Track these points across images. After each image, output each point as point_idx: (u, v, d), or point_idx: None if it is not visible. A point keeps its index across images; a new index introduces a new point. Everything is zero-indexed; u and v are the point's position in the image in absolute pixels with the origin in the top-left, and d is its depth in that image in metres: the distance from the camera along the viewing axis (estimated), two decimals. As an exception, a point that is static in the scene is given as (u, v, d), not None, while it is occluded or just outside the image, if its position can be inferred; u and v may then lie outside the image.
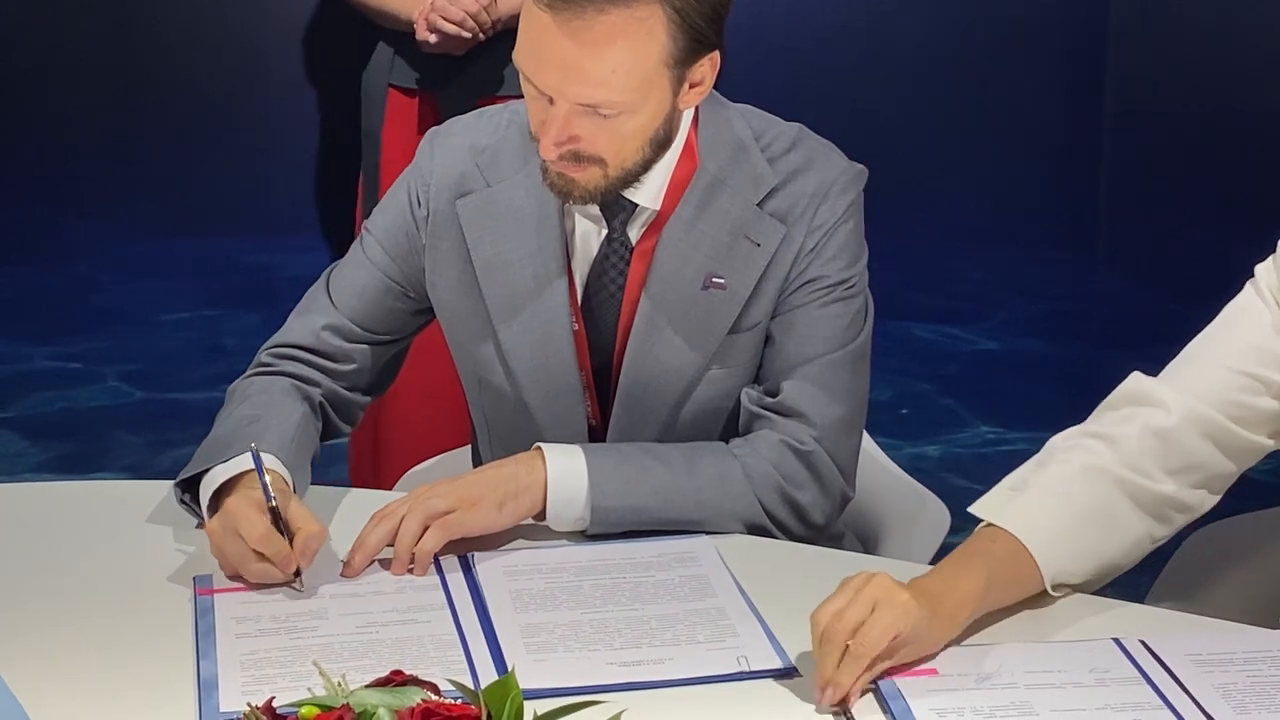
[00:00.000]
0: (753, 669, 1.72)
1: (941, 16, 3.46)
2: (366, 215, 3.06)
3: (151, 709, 1.69)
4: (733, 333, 2.17)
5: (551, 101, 2.02)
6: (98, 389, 3.78)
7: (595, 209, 2.16)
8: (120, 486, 2.30)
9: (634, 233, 2.20)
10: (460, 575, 2.00)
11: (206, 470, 2.03)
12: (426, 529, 1.98)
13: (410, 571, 1.99)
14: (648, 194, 2.15)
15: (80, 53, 3.67)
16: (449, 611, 1.92)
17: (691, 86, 2.08)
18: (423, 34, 2.90)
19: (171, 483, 2.05)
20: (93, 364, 3.80)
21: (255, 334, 3.72)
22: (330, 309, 2.26)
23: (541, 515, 2.07)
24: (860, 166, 2.22)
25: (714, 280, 2.14)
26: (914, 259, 3.08)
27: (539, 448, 2.08)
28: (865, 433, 2.53)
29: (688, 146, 2.18)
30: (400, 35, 3.04)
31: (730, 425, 2.25)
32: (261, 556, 1.91)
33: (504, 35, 2.89)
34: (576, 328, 2.21)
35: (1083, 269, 3.21)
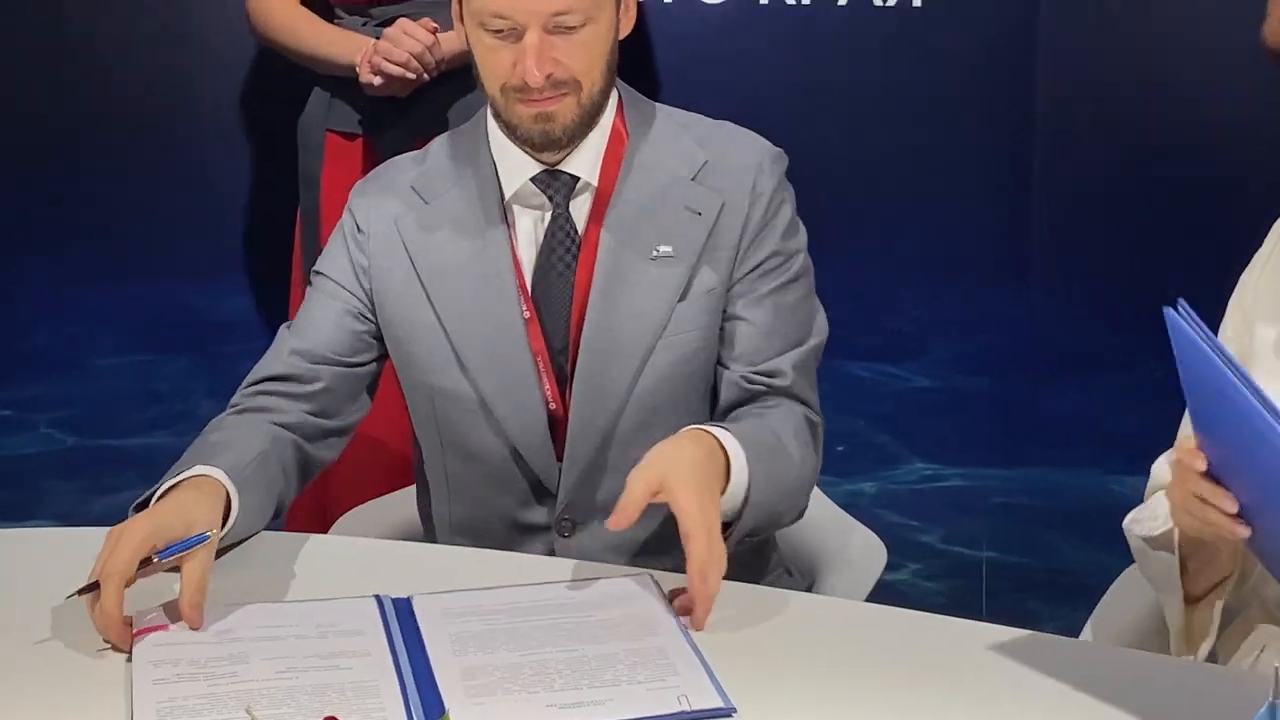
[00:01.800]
0: (693, 709, 1.70)
1: (869, 63, 3.46)
2: (305, 256, 3.06)
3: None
4: (681, 300, 2.22)
5: (519, 38, 2.14)
6: (29, 436, 3.76)
7: (538, 193, 2.26)
8: (53, 533, 2.28)
9: (578, 217, 2.28)
10: (395, 619, 1.97)
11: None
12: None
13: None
14: (584, 165, 2.27)
15: (10, 95, 3.65)
16: (373, 657, 1.89)
17: (625, 8, 2.25)
18: (366, 76, 2.91)
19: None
20: (23, 410, 3.78)
21: (188, 378, 3.71)
22: (293, 339, 2.31)
23: None
24: (779, 149, 2.35)
25: (661, 252, 2.20)
26: (849, 299, 3.09)
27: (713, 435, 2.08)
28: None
29: (615, 127, 2.31)
30: (338, 80, 3.05)
31: (684, 390, 2.30)
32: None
33: (445, 77, 2.90)
34: (528, 315, 2.23)
35: (1017, 307, 3.21)
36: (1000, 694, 1.81)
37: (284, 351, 2.29)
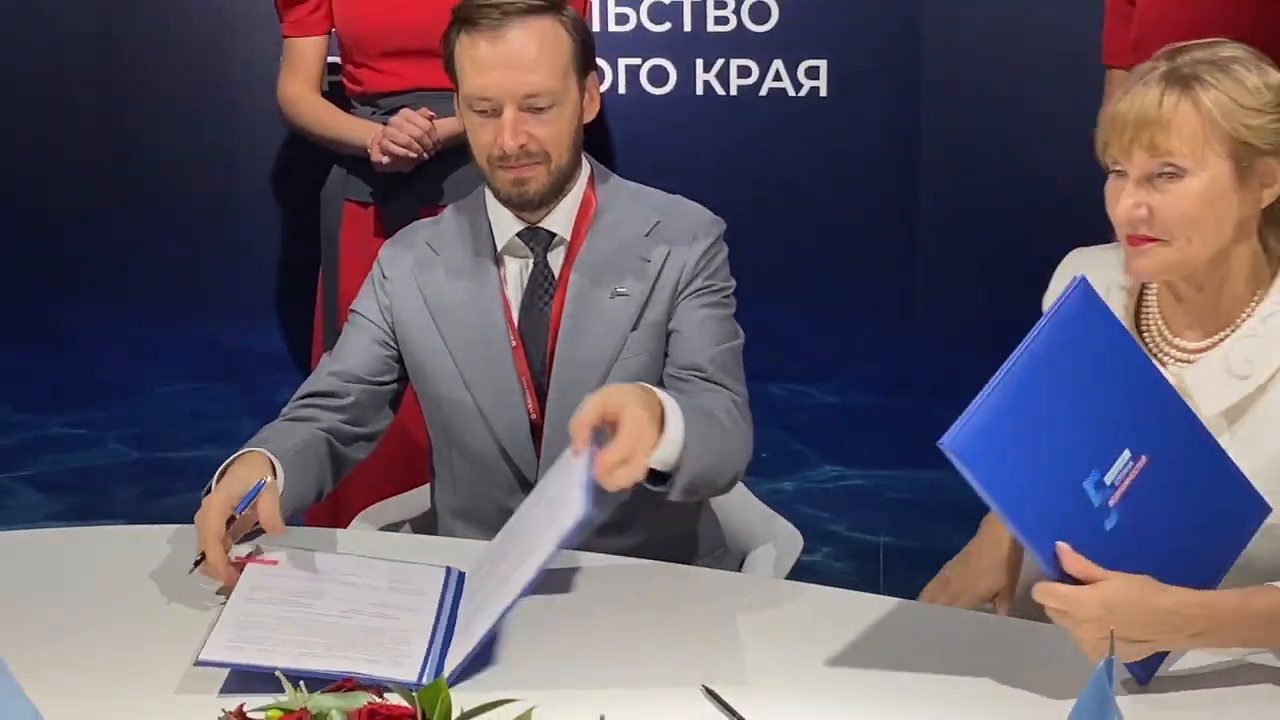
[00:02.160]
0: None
1: (787, 142, 3.46)
2: (325, 303, 3.05)
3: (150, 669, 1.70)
4: (634, 330, 2.25)
5: (498, 114, 2.21)
6: (99, 451, 3.74)
7: (523, 246, 2.32)
8: (120, 531, 2.29)
9: (555, 265, 2.32)
10: (453, 587, 1.98)
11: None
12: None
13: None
14: (559, 223, 2.32)
15: (80, 165, 3.62)
16: (421, 615, 1.89)
17: (589, 98, 2.31)
18: (376, 156, 2.90)
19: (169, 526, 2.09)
20: (95, 430, 3.76)
21: (231, 402, 3.71)
22: (332, 363, 2.37)
23: None
24: (718, 218, 2.38)
25: (618, 292, 2.24)
26: (769, 333, 3.10)
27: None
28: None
29: (586, 194, 2.35)
30: (353, 158, 3.02)
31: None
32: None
33: (442, 154, 2.90)
34: (515, 344, 2.31)
35: (905, 339, 3.23)
36: (891, 653, 1.83)
37: (324, 372, 2.35)
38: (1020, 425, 1.66)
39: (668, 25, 3.47)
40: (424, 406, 2.39)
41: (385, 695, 1.53)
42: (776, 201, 3.46)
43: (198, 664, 1.73)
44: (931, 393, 3.25)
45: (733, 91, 3.48)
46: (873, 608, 1.94)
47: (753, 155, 3.47)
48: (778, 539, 2.48)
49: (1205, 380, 1.87)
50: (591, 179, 2.37)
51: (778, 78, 3.44)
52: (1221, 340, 1.91)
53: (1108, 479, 1.67)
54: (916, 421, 3.37)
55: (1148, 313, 1.99)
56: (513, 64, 2.21)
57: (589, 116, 2.34)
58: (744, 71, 3.46)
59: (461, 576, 2.01)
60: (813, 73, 3.42)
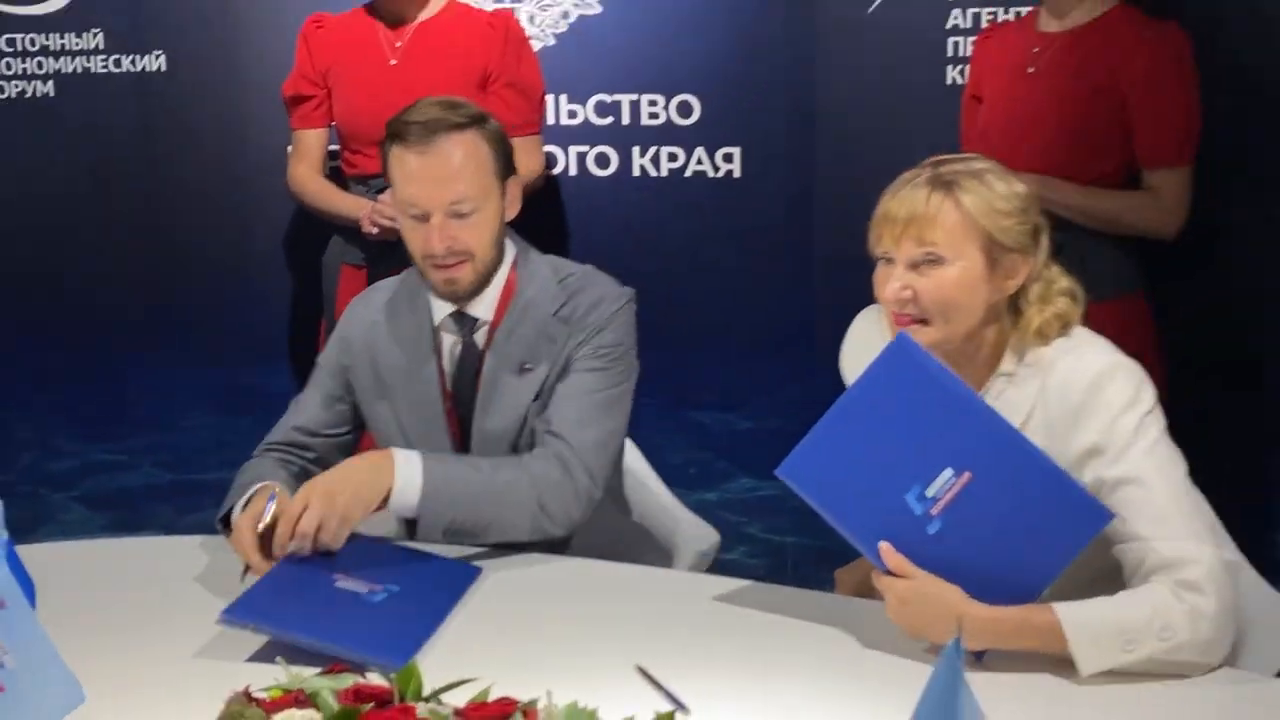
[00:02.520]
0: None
1: (706, 215, 3.46)
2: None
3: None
4: (535, 400, 2.18)
5: (428, 219, 2.14)
6: (138, 474, 3.72)
7: (455, 326, 2.25)
8: (156, 541, 2.28)
9: (480, 343, 2.25)
10: (466, 580, 1.98)
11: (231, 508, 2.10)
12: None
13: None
14: (483, 309, 2.25)
15: (123, 236, 3.63)
16: (431, 602, 1.90)
17: (510, 200, 2.24)
18: (368, 228, 2.91)
19: (196, 537, 2.12)
20: (134, 456, 3.74)
21: (249, 433, 3.65)
22: (296, 417, 2.32)
23: (383, 506, 2.05)
24: (629, 289, 2.30)
25: (526, 367, 2.18)
26: (695, 370, 3.11)
27: (390, 452, 2.07)
28: (665, 486, 2.55)
29: (510, 278, 2.27)
30: (349, 229, 3.03)
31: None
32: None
33: None
34: (448, 408, 2.26)
35: (806, 370, 3.23)
36: (796, 634, 1.84)
37: (288, 425, 2.31)
38: (840, 452, 1.73)
39: (610, 119, 3.48)
40: (377, 441, 2.34)
41: (368, 675, 1.53)
42: (699, 261, 3.45)
43: (221, 620, 1.74)
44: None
45: (663, 173, 3.48)
46: (781, 597, 1.95)
47: (680, 224, 3.46)
48: (701, 539, 2.49)
49: None
50: (515, 262, 2.29)
51: (700, 162, 3.45)
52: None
53: (929, 492, 1.70)
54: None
55: None
56: (438, 176, 2.14)
57: (510, 215, 2.27)
58: (672, 157, 3.47)
59: (475, 570, 1.99)
60: (728, 158, 3.43)
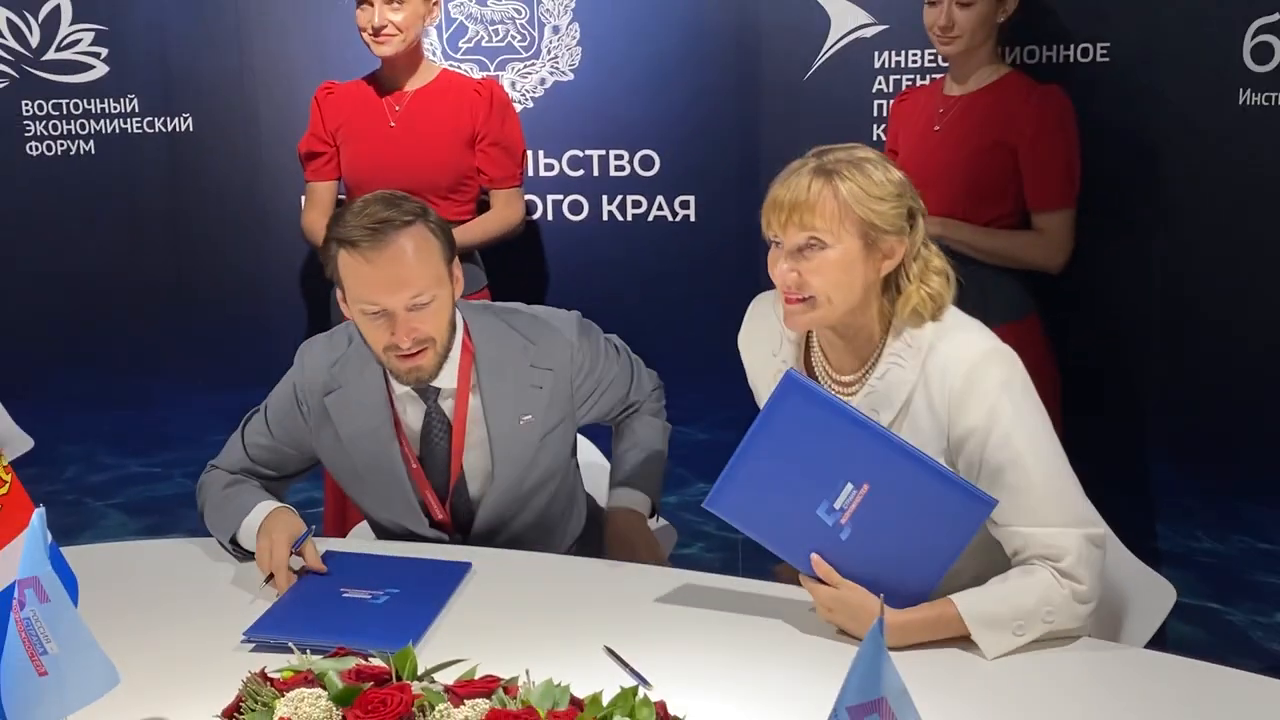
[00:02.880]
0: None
1: (664, 254, 3.47)
2: None
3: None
4: (545, 438, 2.11)
5: (389, 314, 1.95)
6: (169, 484, 3.69)
7: (416, 395, 2.09)
8: (188, 543, 2.27)
9: (446, 409, 2.07)
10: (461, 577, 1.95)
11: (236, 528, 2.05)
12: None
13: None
14: (446, 378, 2.08)
15: (154, 279, 3.62)
16: (429, 599, 1.87)
17: (456, 280, 2.04)
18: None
19: (216, 539, 2.07)
20: (166, 469, 3.71)
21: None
22: (246, 458, 2.20)
23: None
24: (574, 313, 2.22)
25: (524, 419, 2.06)
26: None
27: None
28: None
29: (465, 343, 2.10)
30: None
31: (552, 484, 2.21)
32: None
33: None
34: (415, 467, 2.08)
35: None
36: (747, 617, 1.84)
37: (242, 464, 2.21)
38: (754, 481, 1.73)
39: (582, 171, 3.48)
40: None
41: (370, 658, 1.52)
42: (660, 293, 3.46)
43: (246, 636, 1.73)
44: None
45: (629, 218, 3.48)
46: (732, 587, 1.95)
47: (643, 261, 3.46)
48: (661, 535, 2.49)
49: None
50: (466, 327, 2.12)
51: (660, 208, 3.46)
52: (863, 376, 1.86)
53: (836, 505, 1.71)
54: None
55: (815, 352, 1.94)
56: (395, 279, 1.93)
57: (458, 294, 2.08)
58: (636, 204, 3.48)
59: (467, 568, 1.98)
60: (685, 204, 3.44)
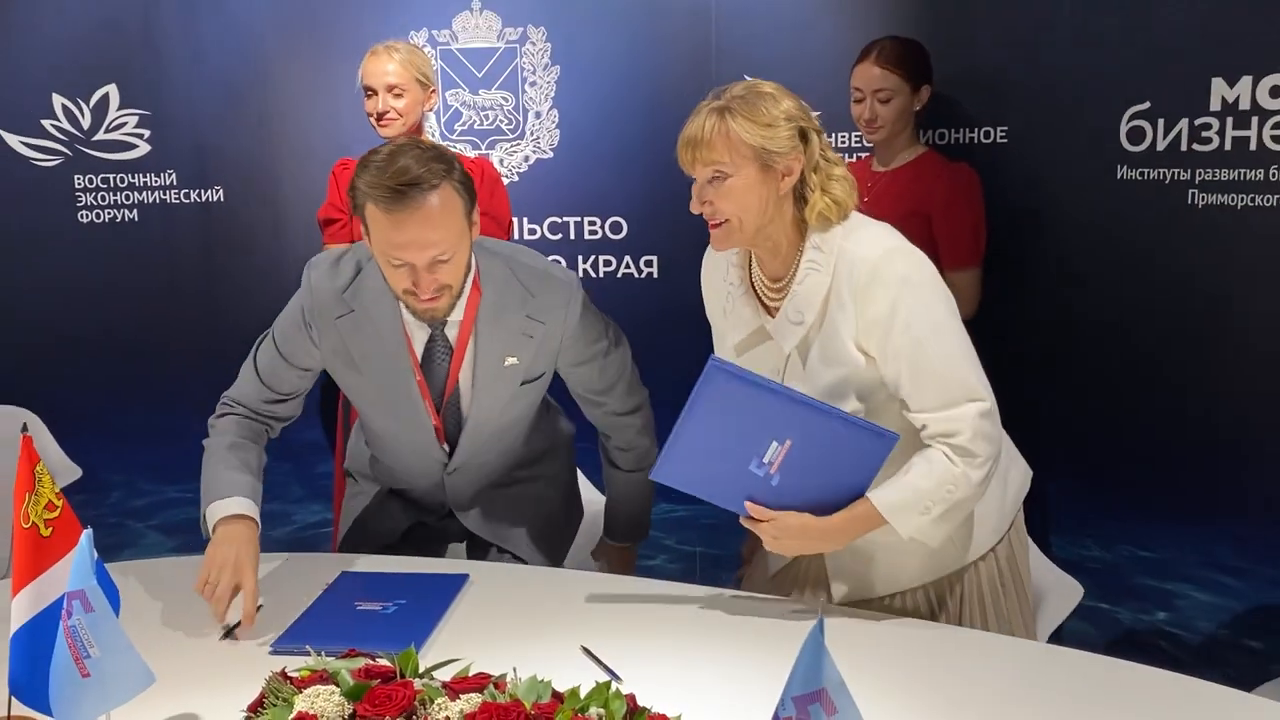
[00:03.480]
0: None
1: (646, 299, 3.44)
2: (344, 407, 2.89)
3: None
4: (523, 384, 2.05)
5: (411, 266, 1.83)
6: (197, 510, 3.67)
7: (424, 323, 1.99)
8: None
9: (451, 335, 1.99)
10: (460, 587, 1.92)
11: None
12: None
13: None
14: (454, 312, 1.98)
15: (187, 332, 3.58)
16: (430, 609, 1.83)
17: (474, 228, 1.90)
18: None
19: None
20: (198, 494, 3.62)
21: (288, 472, 3.61)
22: (260, 386, 2.09)
23: None
24: (574, 275, 2.09)
25: (508, 361, 2.00)
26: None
27: None
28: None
29: (475, 283, 1.99)
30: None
31: (524, 424, 2.16)
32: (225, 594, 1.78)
33: None
34: (419, 379, 2.00)
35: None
36: (702, 620, 1.82)
37: (255, 396, 2.09)
38: (692, 450, 1.72)
39: (560, 235, 3.49)
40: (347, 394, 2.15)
41: (377, 658, 1.50)
42: (629, 340, 3.44)
43: (273, 649, 1.69)
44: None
45: (600, 276, 3.49)
46: (693, 592, 1.94)
47: (613, 312, 3.33)
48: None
49: (779, 328, 1.82)
50: (476, 272, 2.00)
51: (628, 267, 3.47)
52: (788, 283, 1.81)
53: (765, 459, 1.71)
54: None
55: (754, 269, 1.90)
56: (421, 237, 1.80)
57: (475, 237, 1.94)
58: (607, 263, 3.49)
59: (464, 579, 1.96)
60: (649, 263, 3.45)
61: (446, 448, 2.13)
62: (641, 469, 2.23)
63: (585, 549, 2.46)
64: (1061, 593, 1.98)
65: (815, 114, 1.83)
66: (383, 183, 1.77)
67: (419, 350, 2.03)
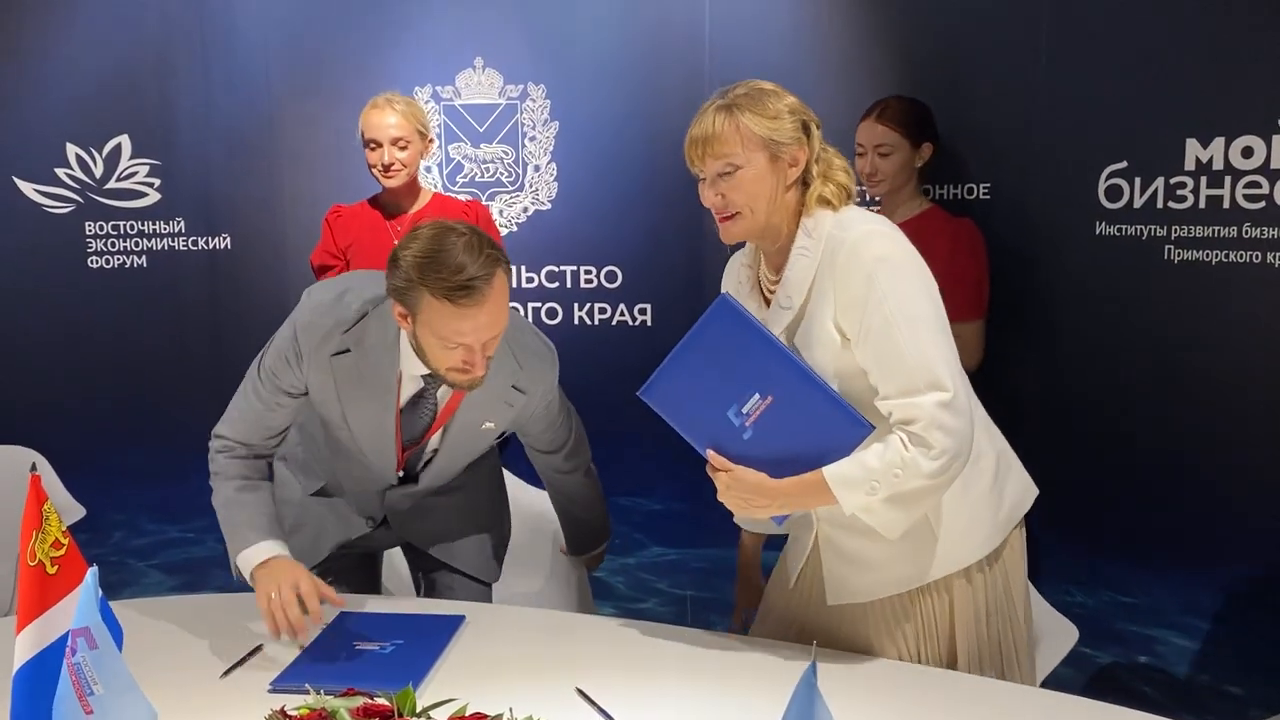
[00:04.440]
0: None
1: (637, 346, 3.43)
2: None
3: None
4: (490, 443, 2.11)
5: (468, 348, 1.83)
6: (202, 547, 3.62)
7: (421, 381, 2.00)
8: (217, 598, 2.22)
9: (442, 396, 2.04)
10: (454, 629, 1.91)
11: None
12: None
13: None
14: None
15: (194, 371, 3.56)
16: (426, 649, 1.82)
17: None
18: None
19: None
20: (199, 534, 3.64)
21: (287, 515, 3.56)
22: (257, 428, 2.06)
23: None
24: (553, 349, 2.12)
25: (485, 425, 2.03)
26: (616, 465, 3.06)
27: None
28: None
29: None
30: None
31: (478, 463, 2.20)
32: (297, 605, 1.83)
33: None
34: (397, 425, 2.05)
35: (701, 463, 3.23)
36: (695, 660, 1.81)
37: (253, 438, 2.07)
38: (682, 381, 1.73)
39: (557, 284, 3.51)
40: (309, 430, 2.16)
41: (375, 697, 1.49)
42: (623, 384, 3.38)
43: (271, 688, 1.68)
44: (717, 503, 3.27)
45: (596, 323, 3.50)
46: (684, 635, 1.93)
47: (608, 358, 3.45)
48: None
49: (772, 316, 1.82)
50: None
51: (622, 314, 3.49)
52: (784, 273, 1.81)
53: (744, 410, 1.71)
54: (712, 520, 3.42)
55: (761, 268, 1.90)
56: (483, 327, 1.81)
57: None
58: (602, 310, 3.50)
59: (461, 620, 1.95)
60: (643, 311, 3.47)
61: (401, 475, 2.15)
62: (578, 469, 2.28)
63: (527, 548, 2.46)
64: (1057, 635, 1.96)
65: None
66: (446, 279, 1.76)
67: (404, 399, 2.04)
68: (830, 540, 1.87)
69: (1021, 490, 1.93)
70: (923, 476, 1.67)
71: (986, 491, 1.83)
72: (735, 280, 1.95)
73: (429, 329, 1.83)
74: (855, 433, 1.70)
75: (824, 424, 1.69)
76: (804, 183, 1.79)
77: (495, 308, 1.80)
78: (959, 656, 1.84)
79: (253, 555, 1.96)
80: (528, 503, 2.53)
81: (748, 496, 1.74)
